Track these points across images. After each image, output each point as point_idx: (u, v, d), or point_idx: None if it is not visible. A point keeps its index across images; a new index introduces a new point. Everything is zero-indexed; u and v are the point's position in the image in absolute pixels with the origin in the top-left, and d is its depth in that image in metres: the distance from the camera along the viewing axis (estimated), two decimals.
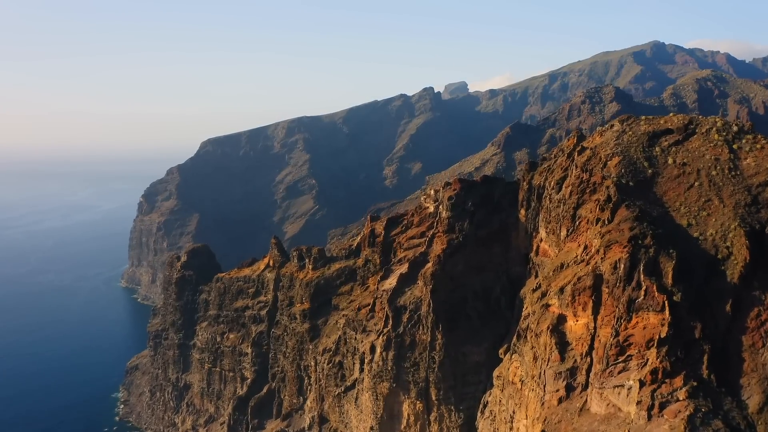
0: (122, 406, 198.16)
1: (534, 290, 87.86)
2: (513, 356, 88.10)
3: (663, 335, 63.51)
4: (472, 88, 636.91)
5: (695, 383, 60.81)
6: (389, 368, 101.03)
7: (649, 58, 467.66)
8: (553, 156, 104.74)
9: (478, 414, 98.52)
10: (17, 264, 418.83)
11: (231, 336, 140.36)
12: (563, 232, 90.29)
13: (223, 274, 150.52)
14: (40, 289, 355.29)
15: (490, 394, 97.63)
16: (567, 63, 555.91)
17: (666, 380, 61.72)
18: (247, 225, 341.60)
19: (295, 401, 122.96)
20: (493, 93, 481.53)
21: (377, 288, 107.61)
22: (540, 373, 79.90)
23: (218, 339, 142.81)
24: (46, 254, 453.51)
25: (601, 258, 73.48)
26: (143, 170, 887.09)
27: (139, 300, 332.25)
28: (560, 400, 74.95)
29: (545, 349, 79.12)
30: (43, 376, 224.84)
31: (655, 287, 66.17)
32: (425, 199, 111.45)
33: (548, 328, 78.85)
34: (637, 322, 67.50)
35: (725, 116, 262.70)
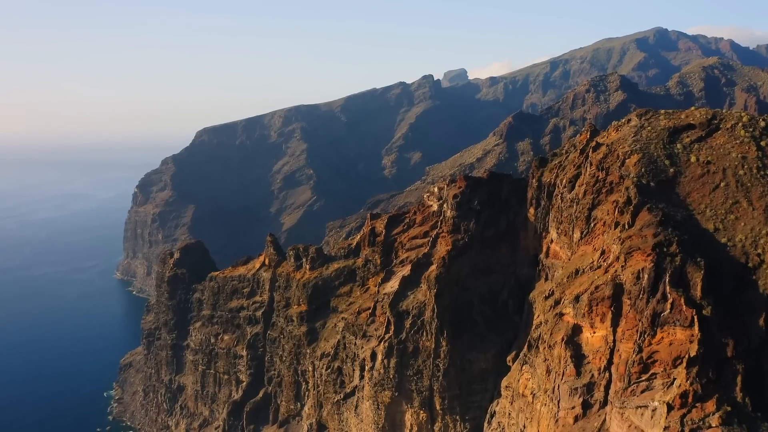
0: (116, 404, 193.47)
1: (546, 297, 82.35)
2: (524, 367, 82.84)
3: (693, 354, 58.12)
4: (471, 76, 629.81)
5: (729, 408, 55.62)
6: (391, 376, 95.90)
7: (652, 45, 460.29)
8: (564, 151, 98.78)
9: (485, 424, 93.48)
10: (11, 255, 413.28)
11: (225, 337, 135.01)
12: (576, 234, 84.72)
13: (217, 272, 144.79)
14: (34, 281, 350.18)
15: (497, 404, 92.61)
16: (568, 50, 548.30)
17: (697, 404, 56.48)
18: (243, 216, 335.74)
19: (292, 407, 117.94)
20: (493, 81, 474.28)
21: (378, 291, 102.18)
22: (554, 387, 74.70)
23: (212, 340, 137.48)
24: (40, 245, 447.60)
25: (622, 266, 67.97)
26: (140, 158, 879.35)
27: (134, 293, 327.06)
28: (576, 418, 69.84)
29: (559, 361, 73.85)
30: (36, 373, 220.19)
31: (682, 300, 60.73)
32: (428, 196, 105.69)
33: (563, 339, 73.52)
34: (662, 338, 62.13)
35: (732, 105, 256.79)
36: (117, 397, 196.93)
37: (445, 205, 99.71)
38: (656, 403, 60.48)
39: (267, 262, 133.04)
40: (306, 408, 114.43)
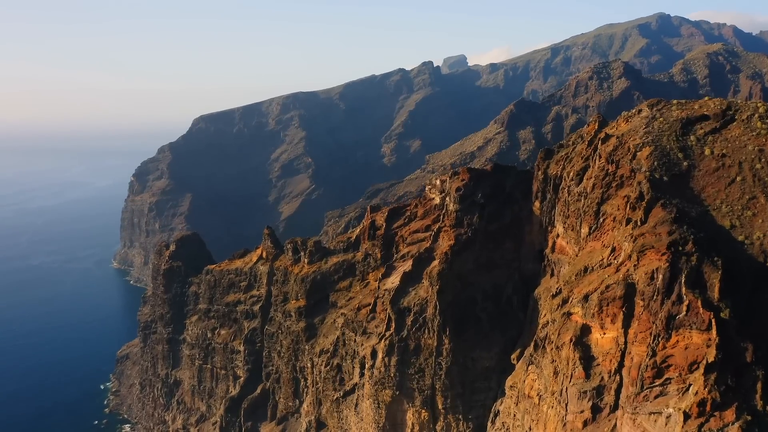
0: (112, 397, 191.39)
1: (554, 296, 79.44)
2: (529, 367, 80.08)
3: (711, 359, 55.22)
4: (471, 62, 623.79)
5: (749, 417, 52.79)
6: (392, 375, 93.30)
7: (654, 31, 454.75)
8: (571, 143, 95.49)
9: (489, 424, 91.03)
10: (8, 243, 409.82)
11: (222, 332, 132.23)
12: (584, 230, 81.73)
13: (214, 266, 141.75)
14: (31, 271, 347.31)
15: (501, 403, 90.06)
16: (569, 36, 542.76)
17: (715, 413, 53.64)
18: (241, 205, 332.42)
19: (290, 404, 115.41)
20: (493, 67, 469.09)
21: (378, 287, 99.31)
22: (561, 389, 72.02)
23: (209, 335, 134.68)
24: (37, 234, 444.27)
25: (634, 265, 64.94)
26: (138, 146, 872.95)
27: (131, 282, 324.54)
28: (585, 423, 67.18)
29: (567, 363, 71.11)
30: (33, 365, 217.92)
31: (699, 302, 57.73)
32: (430, 189, 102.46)
33: (571, 340, 70.73)
34: (677, 341, 59.26)
35: (737, 92, 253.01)
36: (114, 390, 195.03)
37: (447, 198, 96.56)
38: (671, 410, 57.78)
39: (264, 255, 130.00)
40: (305, 405, 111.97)
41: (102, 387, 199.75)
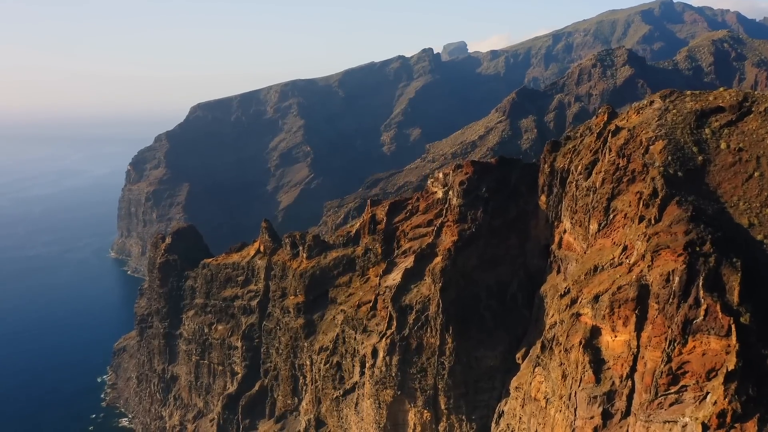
0: (110, 390, 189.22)
1: (562, 295, 76.55)
2: (536, 369, 77.41)
3: (731, 367, 52.47)
4: (471, 49, 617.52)
5: None
6: (393, 374, 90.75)
7: (657, 17, 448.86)
8: (579, 135, 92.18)
9: (493, 424, 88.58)
10: (5, 233, 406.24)
11: (219, 327, 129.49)
12: (593, 226, 78.69)
13: (210, 260, 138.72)
14: (28, 261, 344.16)
15: (505, 403, 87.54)
16: (571, 22, 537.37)
17: (736, 425, 51.06)
18: (239, 194, 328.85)
19: (289, 402, 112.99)
20: (494, 54, 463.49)
21: (379, 284, 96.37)
22: (570, 393, 69.32)
23: (206, 330, 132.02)
24: (34, 223, 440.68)
25: (648, 266, 61.98)
26: (136, 133, 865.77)
27: (129, 272, 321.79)
28: (596, 429, 64.53)
29: (576, 366, 68.37)
30: (29, 356, 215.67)
31: (718, 306, 54.92)
32: (433, 182, 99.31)
33: (580, 342, 67.96)
34: (694, 347, 56.50)
35: (743, 80, 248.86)
36: (111, 383, 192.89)
37: (450, 192, 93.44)
38: (687, 419, 55.18)
39: (262, 249, 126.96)
40: (304, 403, 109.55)
41: (99, 380, 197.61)
